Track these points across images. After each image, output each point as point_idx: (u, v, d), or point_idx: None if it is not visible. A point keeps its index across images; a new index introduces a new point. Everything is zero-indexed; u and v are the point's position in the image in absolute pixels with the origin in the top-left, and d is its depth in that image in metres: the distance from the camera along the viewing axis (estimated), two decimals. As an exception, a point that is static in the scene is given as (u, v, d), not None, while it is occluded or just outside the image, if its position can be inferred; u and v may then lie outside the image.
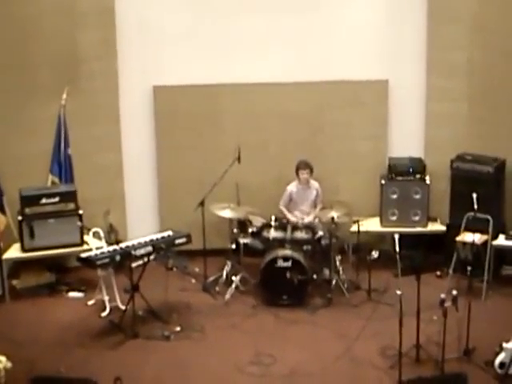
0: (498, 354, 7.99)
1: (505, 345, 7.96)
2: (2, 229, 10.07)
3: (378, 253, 9.91)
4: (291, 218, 10.41)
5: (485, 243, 9.79)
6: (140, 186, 11.17)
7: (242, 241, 10.26)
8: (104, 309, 9.63)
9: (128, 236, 10.71)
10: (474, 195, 9.56)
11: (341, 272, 10.15)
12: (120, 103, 10.88)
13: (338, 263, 10.15)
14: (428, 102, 10.96)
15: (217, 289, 10.17)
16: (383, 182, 10.77)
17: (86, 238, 10.17)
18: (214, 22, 10.78)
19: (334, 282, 9.93)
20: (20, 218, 10.02)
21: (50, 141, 10.38)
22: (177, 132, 10.98)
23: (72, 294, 10.21)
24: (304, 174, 10.43)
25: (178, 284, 10.27)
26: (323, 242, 10.16)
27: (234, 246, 10.30)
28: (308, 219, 10.41)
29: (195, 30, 10.78)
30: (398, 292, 7.76)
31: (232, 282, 10.09)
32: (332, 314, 9.56)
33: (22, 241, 10.07)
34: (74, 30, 10.41)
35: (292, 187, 10.58)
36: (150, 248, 9.31)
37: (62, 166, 10.47)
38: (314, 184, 10.60)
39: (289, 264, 9.69)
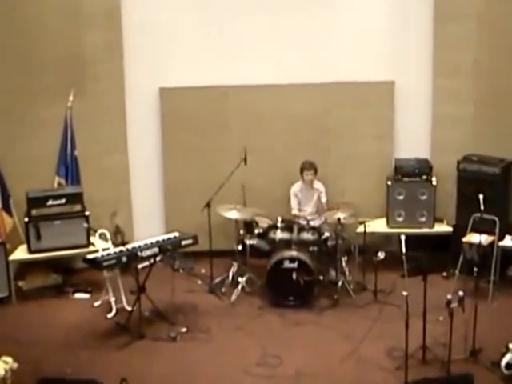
0: (504, 354, 7.97)
1: (511, 345, 7.94)
2: (8, 230, 10.10)
3: (384, 254, 9.91)
4: (307, 215, 10.41)
5: (491, 244, 9.77)
6: (146, 188, 11.18)
7: (249, 242, 10.24)
8: (110, 310, 9.64)
9: (134, 237, 10.73)
10: (481, 196, 9.54)
11: (347, 273, 10.15)
12: (126, 105, 10.90)
13: (344, 264, 10.16)
14: (434, 103, 10.94)
15: (223, 290, 10.17)
16: (389, 183, 10.76)
17: (92, 239, 10.19)
18: (221, 23, 10.78)
19: (340, 283, 9.93)
20: (26, 219, 10.04)
21: (56, 142, 10.40)
22: (183, 133, 10.99)
23: (78, 296, 10.22)
24: (308, 175, 10.44)
25: (184, 285, 10.27)
26: (329, 243, 10.15)
27: (240, 247, 10.29)
28: (315, 223, 10.40)
29: (201, 31, 10.80)
30: (405, 293, 7.75)
31: (238, 283, 10.09)
32: (338, 315, 9.55)
33: (28, 242, 10.08)
34: (79, 32, 10.43)
35: (296, 188, 10.61)
36: (156, 249, 9.32)
37: (69, 168, 10.48)
38: (318, 184, 10.60)
39: (295, 265, 9.68)
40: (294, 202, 10.65)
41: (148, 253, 9.25)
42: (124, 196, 11.08)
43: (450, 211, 10.71)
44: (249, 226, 10.45)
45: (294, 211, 10.62)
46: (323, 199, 10.59)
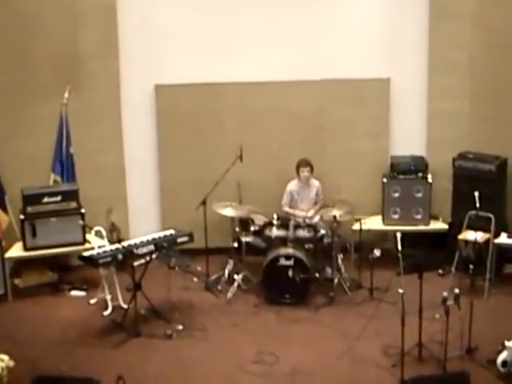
0: (500, 352, 7.98)
1: (507, 343, 7.95)
2: (4, 228, 10.08)
3: (380, 251, 9.93)
4: (299, 213, 10.41)
5: (487, 241, 9.78)
6: (142, 185, 11.17)
7: (244, 239, 10.25)
8: (106, 308, 9.64)
9: (130, 235, 10.72)
10: (476, 193, 9.56)
11: (343, 270, 10.15)
12: (122, 102, 10.88)
13: (340, 262, 10.17)
14: (430, 100, 10.95)
15: (219, 287, 10.17)
16: (385, 180, 10.76)
17: (88, 236, 10.17)
18: (216, 20, 10.77)
19: (336, 280, 9.94)
20: (22, 216, 10.03)
21: (51, 140, 10.39)
22: (178, 131, 10.99)
23: (74, 293, 10.21)
24: (304, 172, 10.44)
25: (180, 283, 10.29)
26: (325, 240, 10.16)
27: (236, 245, 10.30)
28: (310, 213, 10.42)
29: (197, 28, 10.78)
30: (400, 290, 7.76)
31: (234, 280, 10.10)
32: (334, 313, 9.56)
33: (24, 240, 10.07)
34: (75, 29, 10.41)
35: (292, 186, 10.60)
36: (152, 247, 9.31)
37: (64, 165, 10.48)
38: (315, 182, 10.61)
39: (291, 262, 9.69)
40: (285, 199, 10.64)
41: (144, 250, 9.25)
42: (120, 193, 11.07)
43: (445, 208, 10.72)
44: (244, 223, 10.44)
45: (285, 208, 10.62)
46: (321, 196, 10.61)
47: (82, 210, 10.17)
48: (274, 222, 10.18)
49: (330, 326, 9.22)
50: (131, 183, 11.16)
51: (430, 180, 10.68)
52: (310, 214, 10.45)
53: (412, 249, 9.73)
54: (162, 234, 9.73)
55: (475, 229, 9.65)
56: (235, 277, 10.13)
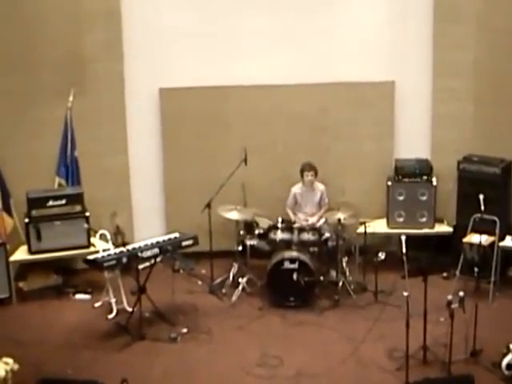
0: (505, 355, 7.97)
1: (512, 346, 7.96)
2: (8, 231, 10.10)
3: (384, 254, 9.90)
4: (295, 218, 10.41)
5: (492, 244, 9.77)
6: (146, 188, 11.17)
7: (249, 242, 10.25)
8: (111, 311, 9.64)
9: (135, 238, 10.71)
10: (481, 196, 9.56)
11: (347, 273, 10.15)
12: (126, 105, 10.88)
13: (344, 265, 10.17)
14: (434, 103, 10.94)
15: (223, 291, 10.17)
16: (390, 183, 10.75)
17: (92, 240, 10.19)
18: (221, 23, 10.77)
19: (340, 283, 9.93)
20: (27, 220, 10.04)
21: (56, 143, 10.40)
22: (183, 134, 10.99)
23: (79, 296, 10.22)
24: (308, 176, 10.42)
25: (185, 286, 10.28)
26: (330, 243, 10.15)
27: (240, 248, 10.30)
28: (312, 220, 10.41)
29: (201, 31, 10.78)
30: (405, 293, 7.77)
31: (239, 283, 10.09)
32: (339, 316, 9.55)
33: (28, 243, 10.08)
34: (80, 32, 10.42)
35: (296, 189, 10.59)
36: (156, 250, 9.31)
37: (69, 169, 10.48)
38: (319, 186, 10.59)
39: (295, 266, 9.68)
40: (289, 200, 10.62)
41: (148, 253, 9.25)
42: (124, 196, 11.07)
43: (450, 211, 10.71)
44: (249, 226, 10.44)
45: (288, 209, 10.61)
46: (326, 199, 10.60)
47: (87, 214, 10.18)
48: (279, 225, 10.17)
49: (335, 328, 9.21)
50: (136, 186, 11.15)
51: (434, 183, 10.66)
52: (311, 221, 10.44)
53: (417, 252, 9.71)
54: (166, 237, 9.73)
55: (480, 232, 9.65)
56: (240, 280, 10.12)
